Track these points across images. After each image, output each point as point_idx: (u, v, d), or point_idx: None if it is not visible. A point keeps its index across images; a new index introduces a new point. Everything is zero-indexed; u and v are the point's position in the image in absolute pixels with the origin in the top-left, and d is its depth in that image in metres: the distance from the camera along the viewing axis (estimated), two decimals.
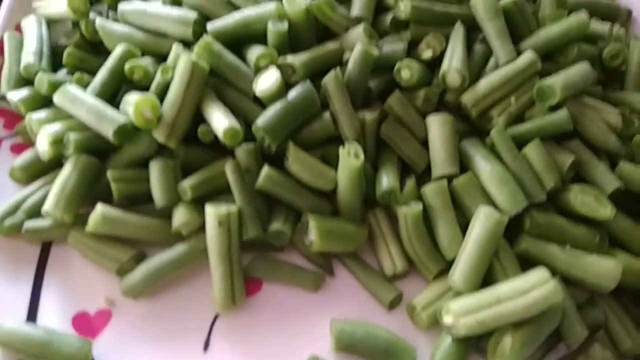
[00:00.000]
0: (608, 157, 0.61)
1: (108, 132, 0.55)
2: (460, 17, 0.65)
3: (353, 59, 0.60)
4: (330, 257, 0.59)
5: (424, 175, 0.61)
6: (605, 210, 0.56)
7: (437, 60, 0.64)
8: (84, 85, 0.60)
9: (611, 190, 0.57)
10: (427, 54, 0.64)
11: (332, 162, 0.59)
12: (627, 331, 0.56)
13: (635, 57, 0.66)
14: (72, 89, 0.57)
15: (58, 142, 0.56)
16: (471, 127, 0.63)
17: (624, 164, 0.59)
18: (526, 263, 0.55)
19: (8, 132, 0.63)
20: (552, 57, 0.65)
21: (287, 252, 0.59)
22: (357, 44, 0.60)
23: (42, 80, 0.60)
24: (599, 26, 0.69)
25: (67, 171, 0.56)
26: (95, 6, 0.69)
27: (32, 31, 0.65)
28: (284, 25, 0.60)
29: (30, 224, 0.56)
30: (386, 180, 0.58)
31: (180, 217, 0.55)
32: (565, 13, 0.67)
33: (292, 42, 0.62)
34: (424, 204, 0.57)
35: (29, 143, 0.62)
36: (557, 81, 0.59)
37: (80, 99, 0.57)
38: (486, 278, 0.54)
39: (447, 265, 0.57)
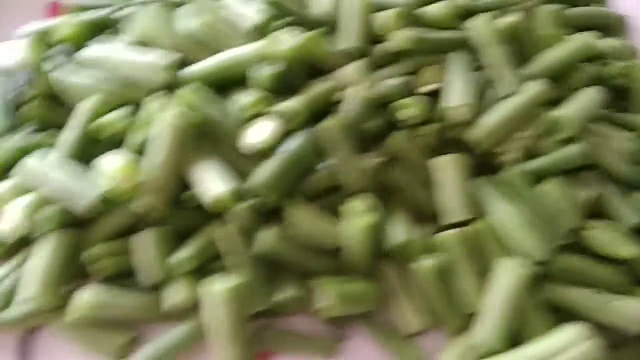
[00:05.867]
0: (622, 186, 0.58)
1: (80, 207, 0.49)
2: (456, 43, 0.61)
3: (351, 101, 0.55)
4: (343, 318, 0.54)
5: (433, 220, 0.57)
6: (628, 249, 0.53)
7: (434, 92, 0.59)
8: (50, 146, 0.54)
9: (631, 225, 0.54)
10: (426, 88, 0.59)
11: (334, 213, 0.54)
12: None
13: None
14: (36, 162, 0.51)
15: (33, 218, 0.49)
16: (477, 162, 0.59)
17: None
18: (551, 309, 0.52)
19: None
20: (556, 81, 0.61)
21: (294, 316, 0.54)
22: (353, 85, 0.55)
23: (4, 148, 0.53)
24: (601, 43, 0.65)
25: (46, 251, 0.49)
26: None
27: None
28: (274, 68, 0.54)
29: (9, 313, 0.49)
30: (395, 232, 0.54)
31: (174, 295, 0.50)
32: (563, 33, 0.63)
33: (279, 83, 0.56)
34: (438, 255, 0.53)
35: None
36: (569, 112, 0.56)
37: (47, 173, 0.50)
38: (513, 333, 0.50)
39: (467, 320, 0.53)
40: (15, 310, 0.50)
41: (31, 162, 0.51)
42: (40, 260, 0.49)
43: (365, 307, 0.53)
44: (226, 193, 0.49)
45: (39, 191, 0.50)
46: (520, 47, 0.62)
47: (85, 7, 0.65)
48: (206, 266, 0.52)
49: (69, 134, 0.53)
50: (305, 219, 0.52)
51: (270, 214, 0.53)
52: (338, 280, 0.52)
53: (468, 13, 0.63)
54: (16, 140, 0.54)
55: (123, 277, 0.52)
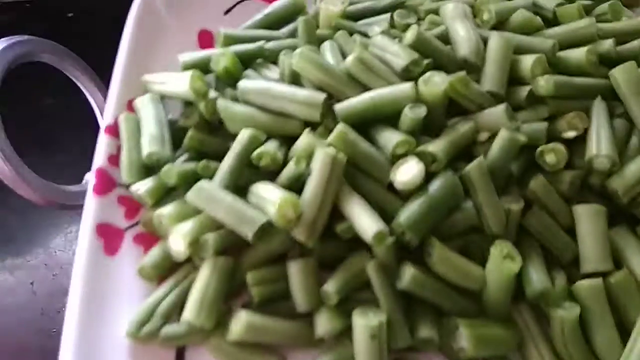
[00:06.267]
0: None
1: (247, 233, 0.52)
2: (600, 89, 0.61)
3: (498, 146, 0.56)
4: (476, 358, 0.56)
5: (570, 267, 0.57)
6: None
7: (575, 138, 0.60)
8: (210, 174, 0.58)
9: None
10: (570, 134, 0.59)
11: (473, 254, 0.56)
12: None
13: None
14: (207, 186, 0.55)
15: (195, 243, 0.53)
16: (614, 209, 0.59)
17: None
18: None
19: (130, 222, 0.60)
20: None
21: (428, 352, 0.56)
22: (501, 130, 0.56)
23: (170, 171, 0.57)
24: None
25: (205, 275, 0.53)
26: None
27: (149, 112, 0.62)
28: (423, 111, 0.56)
29: (169, 330, 0.53)
30: (537, 278, 0.54)
31: (325, 323, 0.52)
32: None
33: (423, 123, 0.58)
34: (577, 303, 0.54)
35: (153, 234, 0.59)
36: None
37: (217, 198, 0.54)
38: None
39: None
40: (175, 327, 0.54)
41: (206, 186, 0.55)
42: (204, 284, 0.53)
43: (501, 351, 0.54)
44: (375, 232, 0.52)
45: (206, 214, 0.54)
46: None
47: (236, 38, 0.69)
48: (352, 296, 0.55)
49: (230, 159, 0.57)
50: (447, 260, 0.54)
51: (413, 252, 0.55)
52: (475, 322, 0.54)
53: (609, 60, 0.63)
54: (183, 166, 0.58)
55: (273, 302, 0.55)
